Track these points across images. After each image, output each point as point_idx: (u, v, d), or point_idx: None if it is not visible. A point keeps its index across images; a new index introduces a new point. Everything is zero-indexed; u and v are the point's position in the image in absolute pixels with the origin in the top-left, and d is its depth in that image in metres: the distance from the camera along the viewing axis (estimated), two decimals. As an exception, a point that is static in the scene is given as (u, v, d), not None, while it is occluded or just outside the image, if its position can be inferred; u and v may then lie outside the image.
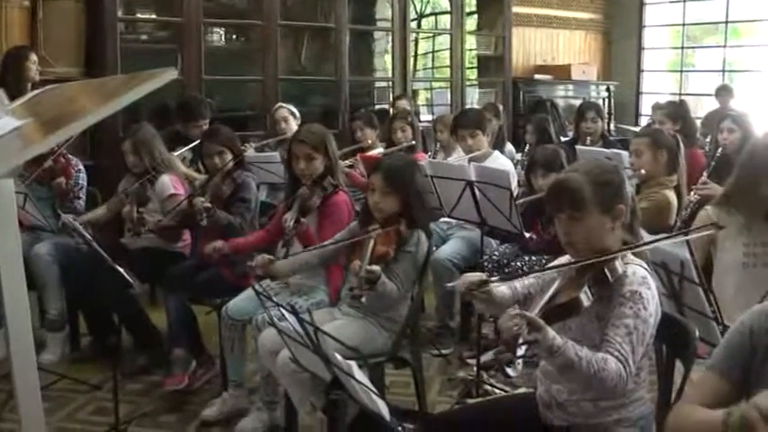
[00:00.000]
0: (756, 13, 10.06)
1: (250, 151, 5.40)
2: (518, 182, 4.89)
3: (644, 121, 9.88)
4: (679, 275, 2.64)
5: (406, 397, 3.76)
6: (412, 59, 8.60)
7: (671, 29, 11.32)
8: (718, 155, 4.92)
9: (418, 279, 3.33)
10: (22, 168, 4.48)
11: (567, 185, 2.32)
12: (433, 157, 5.56)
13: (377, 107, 8.20)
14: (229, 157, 4.10)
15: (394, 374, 3.87)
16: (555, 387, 2.34)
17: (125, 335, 4.35)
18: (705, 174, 4.59)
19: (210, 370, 4.14)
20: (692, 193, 4.31)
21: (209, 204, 3.87)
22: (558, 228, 2.36)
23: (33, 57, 5.54)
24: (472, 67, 9.60)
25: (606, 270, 2.20)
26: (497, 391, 3.94)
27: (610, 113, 10.06)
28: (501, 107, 7.24)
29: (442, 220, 4.74)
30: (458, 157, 5.21)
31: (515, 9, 9.53)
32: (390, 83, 8.35)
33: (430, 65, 9.82)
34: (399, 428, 1.84)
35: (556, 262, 2.50)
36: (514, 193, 4.10)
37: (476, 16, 9.57)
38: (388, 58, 8.59)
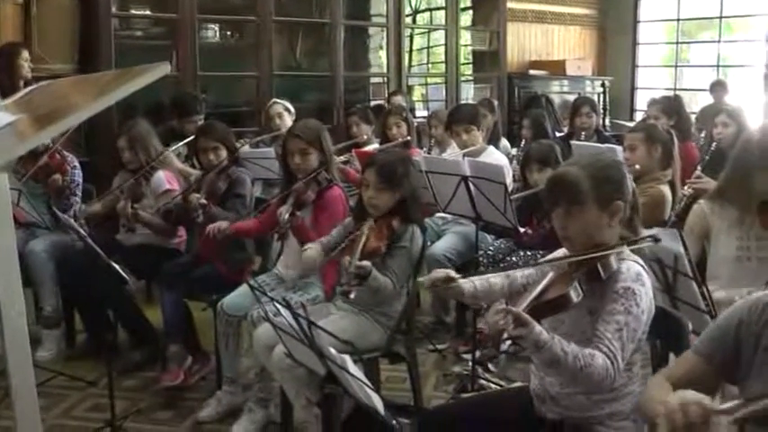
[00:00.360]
0: (750, 8, 10.09)
1: (245, 147, 5.40)
2: (513, 177, 4.90)
3: (639, 117, 9.89)
4: (673, 269, 2.65)
5: (402, 392, 3.76)
6: (407, 55, 8.60)
7: (665, 24, 11.34)
8: (712, 149, 4.94)
9: (413, 274, 3.33)
10: (17, 165, 4.48)
11: (564, 179, 2.31)
12: (428, 153, 5.55)
13: (372, 103, 8.20)
14: (224, 153, 4.10)
15: (390, 369, 3.89)
16: (548, 380, 2.34)
17: (120, 331, 4.35)
18: (699, 168, 4.60)
19: (206, 366, 4.15)
20: (685, 187, 4.33)
21: (204, 201, 3.88)
22: (554, 221, 2.36)
23: (25, 54, 5.51)
24: (467, 63, 9.60)
25: (599, 266, 2.20)
26: (493, 385, 3.95)
27: (605, 109, 10.07)
28: (496, 102, 7.24)
29: (437, 215, 4.74)
30: (452, 152, 5.21)
31: (510, 4, 9.55)
32: (385, 78, 8.35)
33: (425, 60, 9.83)
34: (394, 422, 1.84)
35: (551, 256, 2.51)
36: (509, 189, 4.11)
37: (471, 12, 9.58)
38: (383, 53, 8.59)
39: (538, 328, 2.07)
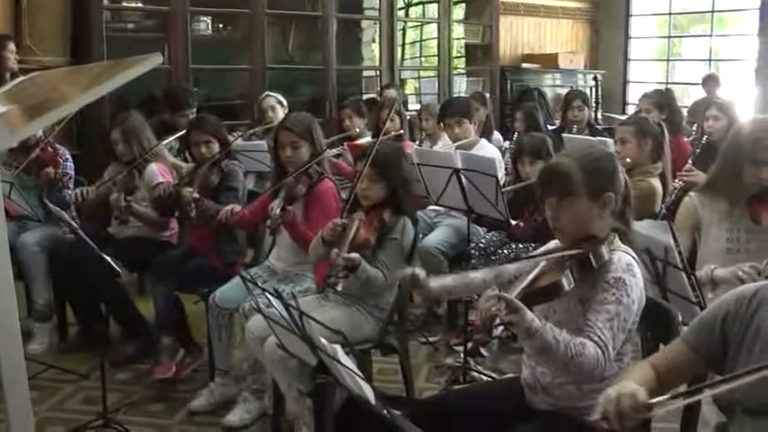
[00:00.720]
0: (742, 2, 10.10)
1: (238, 140, 5.40)
2: (505, 170, 4.91)
3: (631, 110, 9.90)
4: (663, 261, 2.66)
5: (394, 384, 3.78)
6: (399, 48, 8.60)
7: (658, 18, 11.36)
8: (703, 142, 4.96)
9: (405, 266, 3.34)
10: (8, 158, 4.47)
11: (557, 170, 2.34)
12: (419, 146, 5.56)
13: (365, 96, 8.19)
14: (216, 146, 4.10)
15: (382, 362, 3.90)
16: (539, 370, 2.36)
17: (113, 324, 4.35)
18: (690, 161, 4.62)
19: (198, 358, 4.16)
20: (676, 180, 4.35)
21: (197, 195, 3.88)
22: (546, 212, 2.38)
23: (11, 46, 5.48)
24: (460, 56, 9.60)
25: (591, 256, 2.21)
26: (484, 377, 3.97)
27: (597, 102, 10.09)
28: (488, 96, 7.24)
29: (429, 207, 4.75)
30: (443, 145, 5.22)
31: (503, -2, 9.55)
32: (378, 72, 8.35)
33: (417, 54, 9.82)
34: (385, 412, 1.85)
35: (543, 248, 2.52)
36: (501, 182, 4.12)
37: (463, 5, 9.58)
38: (375, 46, 8.58)
39: (530, 314, 2.09)
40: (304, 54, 8.36)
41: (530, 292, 2.17)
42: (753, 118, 3.47)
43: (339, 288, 3.04)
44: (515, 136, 6.37)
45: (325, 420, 2.31)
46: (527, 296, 2.15)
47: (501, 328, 2.20)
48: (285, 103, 5.98)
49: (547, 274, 2.21)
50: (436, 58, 8.93)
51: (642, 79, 10.92)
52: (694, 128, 6.15)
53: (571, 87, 8.95)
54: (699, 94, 8.95)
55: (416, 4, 9.54)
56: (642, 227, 2.68)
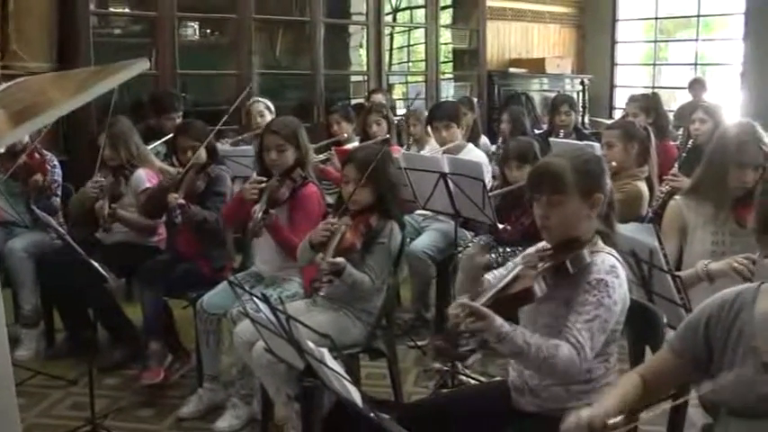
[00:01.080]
0: (728, 7, 10.18)
1: (225, 146, 5.40)
2: (493, 175, 4.93)
3: (618, 114, 9.95)
4: (648, 263, 2.68)
5: (383, 388, 3.77)
6: (387, 53, 8.61)
7: (644, 23, 11.42)
8: (689, 146, 4.99)
9: (393, 270, 3.35)
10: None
11: (549, 168, 2.36)
12: (407, 151, 5.57)
13: (353, 101, 8.20)
14: (203, 151, 4.09)
15: (370, 366, 3.90)
16: (527, 372, 2.37)
17: (100, 330, 4.33)
18: (676, 165, 4.65)
19: (186, 364, 4.15)
20: (663, 184, 4.37)
21: (182, 201, 3.86)
22: (536, 210, 2.40)
23: None
24: (447, 61, 9.62)
25: (568, 263, 2.23)
26: (472, 381, 3.97)
27: (584, 107, 10.12)
28: (476, 100, 7.26)
29: (417, 212, 4.76)
30: (431, 150, 5.23)
31: (490, 3, 9.57)
32: (365, 77, 8.35)
33: (405, 59, 9.83)
34: (372, 415, 1.85)
35: (529, 250, 2.53)
36: (489, 186, 4.13)
37: (450, 10, 9.58)
38: (363, 52, 8.59)
39: (498, 320, 2.12)
40: (292, 59, 8.36)
41: (500, 298, 2.20)
42: (738, 121, 3.50)
43: (322, 293, 3.04)
44: (500, 140, 6.39)
45: (313, 424, 2.32)
46: (497, 302, 2.18)
47: (469, 336, 2.22)
48: (273, 108, 5.98)
49: (520, 280, 2.23)
50: (424, 63, 8.95)
51: (629, 84, 10.97)
52: (680, 132, 6.19)
53: (558, 92, 8.99)
54: (685, 98, 8.99)
55: (404, 10, 9.55)
56: (628, 230, 2.70)
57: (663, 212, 3.54)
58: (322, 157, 5.22)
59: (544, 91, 9.98)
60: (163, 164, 4.73)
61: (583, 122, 8.93)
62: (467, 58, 9.69)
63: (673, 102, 9.65)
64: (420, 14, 9.09)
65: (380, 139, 5.48)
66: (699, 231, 3.13)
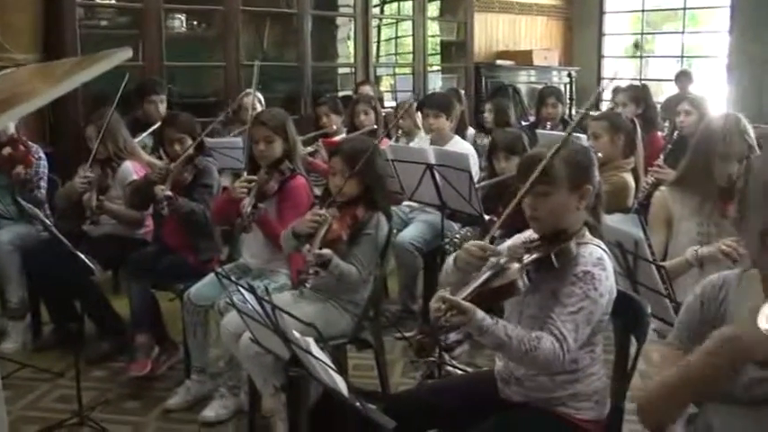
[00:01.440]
0: (713, -1, 10.24)
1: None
2: (480, 167, 4.94)
3: (605, 106, 9.98)
4: (633, 254, 2.70)
5: (370, 379, 3.78)
6: (375, 45, 8.60)
7: (631, 15, 11.46)
8: (675, 137, 5.01)
9: (379, 261, 3.36)
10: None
11: (539, 159, 2.35)
12: (396, 143, 5.57)
13: (340, 93, 8.19)
14: (190, 143, 4.08)
15: (357, 357, 3.91)
16: (512, 362, 2.38)
17: (87, 322, 4.33)
18: (662, 156, 4.67)
19: (174, 356, 4.15)
20: (647, 175, 4.39)
21: (169, 193, 3.84)
22: (524, 201, 2.39)
23: None
24: (435, 54, 9.62)
25: (553, 257, 2.23)
26: (459, 371, 3.98)
27: (571, 98, 10.15)
28: (463, 92, 7.26)
29: (403, 203, 4.77)
30: (419, 141, 5.24)
31: (477, -5, 9.59)
32: (353, 69, 8.35)
33: (393, 51, 9.83)
34: (358, 405, 1.86)
35: (515, 238, 2.53)
36: (476, 178, 4.14)
37: (438, 2, 9.59)
38: (350, 44, 8.58)
39: (480, 314, 2.12)
40: (279, 51, 8.34)
41: (482, 292, 2.19)
42: (723, 113, 3.52)
43: (308, 285, 3.05)
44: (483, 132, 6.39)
45: (300, 413, 2.33)
46: (479, 295, 2.18)
47: (450, 329, 2.22)
48: (263, 100, 5.97)
49: (503, 274, 2.22)
50: (411, 55, 8.94)
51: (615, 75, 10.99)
52: (666, 123, 6.22)
53: (546, 84, 9.00)
54: (672, 90, 9.03)
55: (391, 2, 9.55)
56: (613, 220, 2.72)
57: (648, 203, 3.56)
58: (310, 149, 5.23)
59: (531, 83, 10.00)
60: (150, 157, 4.72)
61: (570, 114, 8.94)
62: (454, 50, 9.70)
63: (659, 94, 9.68)
64: (407, 6, 9.08)
65: (368, 129, 5.50)
66: (684, 222, 3.15)
